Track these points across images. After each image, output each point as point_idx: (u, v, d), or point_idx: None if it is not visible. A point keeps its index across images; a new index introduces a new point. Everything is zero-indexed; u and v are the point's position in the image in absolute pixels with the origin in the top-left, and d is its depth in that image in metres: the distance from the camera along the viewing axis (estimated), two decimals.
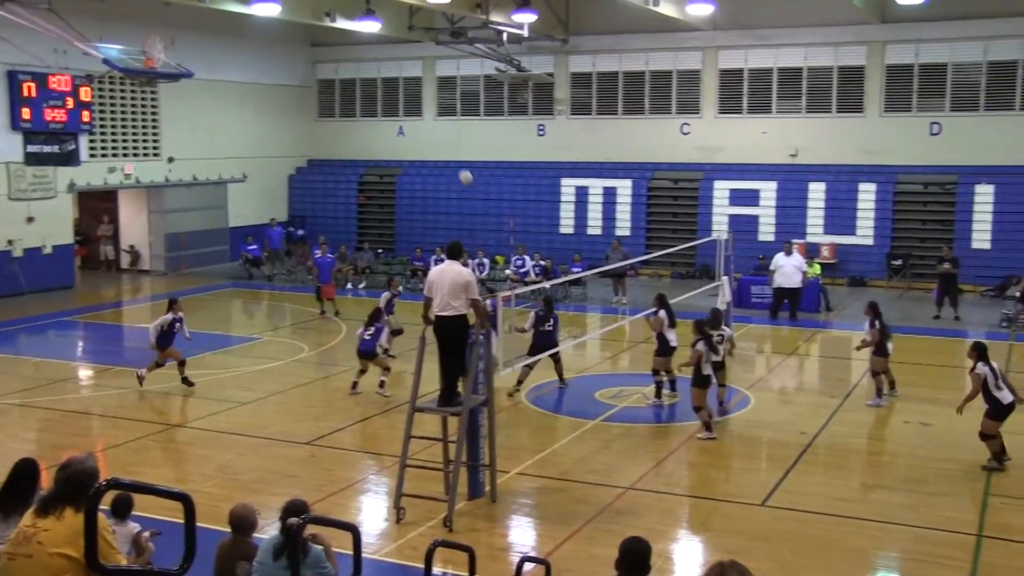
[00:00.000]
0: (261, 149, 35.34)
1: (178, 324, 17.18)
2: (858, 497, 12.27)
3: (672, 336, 16.45)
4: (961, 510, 11.72)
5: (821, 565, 10.25)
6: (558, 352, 17.34)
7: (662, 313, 16.46)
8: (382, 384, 16.71)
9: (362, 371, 16.99)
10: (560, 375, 17.57)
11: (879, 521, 11.42)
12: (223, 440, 14.77)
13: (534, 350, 16.64)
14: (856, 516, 11.54)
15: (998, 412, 12.86)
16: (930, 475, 13.11)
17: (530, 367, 16.79)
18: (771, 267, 24.40)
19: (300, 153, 37.56)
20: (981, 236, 28.65)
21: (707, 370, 14.58)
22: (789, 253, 24.34)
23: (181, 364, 17.28)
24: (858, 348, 17.21)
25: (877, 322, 16.56)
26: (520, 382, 17.00)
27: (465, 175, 20.46)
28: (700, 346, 14.57)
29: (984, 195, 28.69)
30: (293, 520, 6.69)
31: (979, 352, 13.08)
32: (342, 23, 29.07)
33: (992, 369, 12.93)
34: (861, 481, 13.09)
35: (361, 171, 36.74)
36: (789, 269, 23.98)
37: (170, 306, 17.26)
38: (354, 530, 6.98)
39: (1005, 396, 12.88)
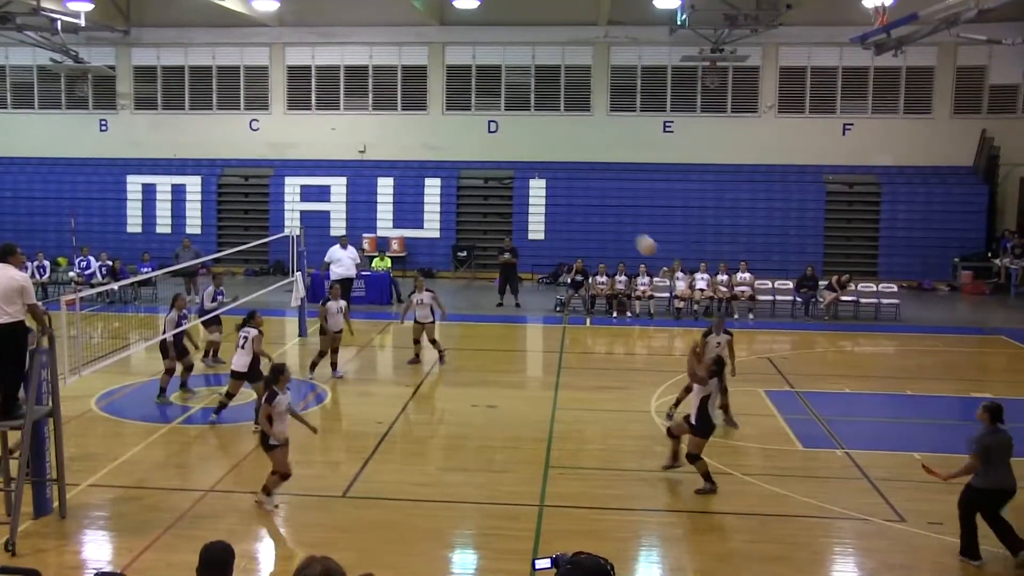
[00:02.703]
0: None
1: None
2: (433, 480, 12.90)
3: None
4: (525, 483, 12.69)
5: (401, 549, 10.68)
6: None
7: (255, 332, 14.99)
8: None
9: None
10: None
11: (453, 501, 12.13)
12: None
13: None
14: (432, 499, 12.15)
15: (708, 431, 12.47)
16: (497, 454, 14.11)
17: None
18: (327, 259, 25.05)
19: None
20: (536, 227, 31.12)
21: (280, 427, 11.62)
22: (345, 246, 25.34)
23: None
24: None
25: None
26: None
27: (646, 243, 18.47)
28: (277, 401, 11.63)
29: (537, 189, 31.14)
30: None
31: (720, 367, 12.62)
32: None
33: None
34: (436, 465, 13.77)
35: None
36: (347, 261, 24.93)
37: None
38: None
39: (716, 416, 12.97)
